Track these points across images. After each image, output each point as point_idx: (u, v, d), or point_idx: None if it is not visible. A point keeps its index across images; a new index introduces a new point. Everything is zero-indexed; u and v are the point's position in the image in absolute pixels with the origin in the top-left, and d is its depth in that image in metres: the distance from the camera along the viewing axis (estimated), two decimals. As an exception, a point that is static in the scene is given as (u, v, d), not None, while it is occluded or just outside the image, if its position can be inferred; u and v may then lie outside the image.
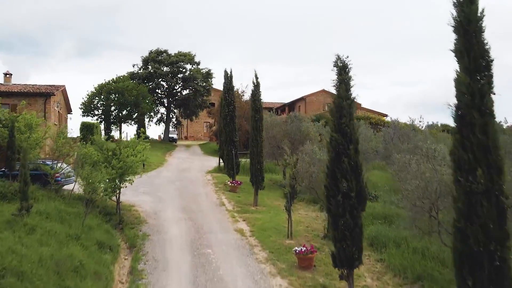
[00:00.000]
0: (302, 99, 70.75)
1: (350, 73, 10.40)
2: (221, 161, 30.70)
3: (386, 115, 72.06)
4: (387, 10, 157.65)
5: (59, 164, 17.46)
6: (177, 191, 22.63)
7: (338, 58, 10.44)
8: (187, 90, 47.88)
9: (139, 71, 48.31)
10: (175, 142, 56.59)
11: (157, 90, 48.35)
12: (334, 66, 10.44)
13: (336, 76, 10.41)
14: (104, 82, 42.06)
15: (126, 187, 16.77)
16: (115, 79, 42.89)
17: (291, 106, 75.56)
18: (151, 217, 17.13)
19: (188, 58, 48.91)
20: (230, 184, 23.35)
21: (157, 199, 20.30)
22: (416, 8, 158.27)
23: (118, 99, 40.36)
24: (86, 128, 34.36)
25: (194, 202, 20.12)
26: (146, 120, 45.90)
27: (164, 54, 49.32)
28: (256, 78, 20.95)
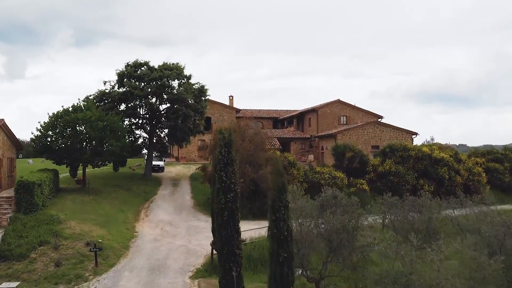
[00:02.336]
0: (313, 110, 60.37)
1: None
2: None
3: (381, 117, 61.92)
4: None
5: None
6: None
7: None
8: (174, 114, 37.39)
9: (111, 91, 37.88)
10: (162, 171, 46.42)
11: (135, 111, 37.91)
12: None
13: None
14: (61, 110, 31.79)
15: None
16: (76, 104, 32.59)
17: (300, 118, 65.16)
18: None
19: (175, 72, 38.45)
20: None
21: None
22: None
23: (78, 135, 30.09)
24: (23, 189, 24.25)
25: None
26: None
27: (144, 67, 38.89)
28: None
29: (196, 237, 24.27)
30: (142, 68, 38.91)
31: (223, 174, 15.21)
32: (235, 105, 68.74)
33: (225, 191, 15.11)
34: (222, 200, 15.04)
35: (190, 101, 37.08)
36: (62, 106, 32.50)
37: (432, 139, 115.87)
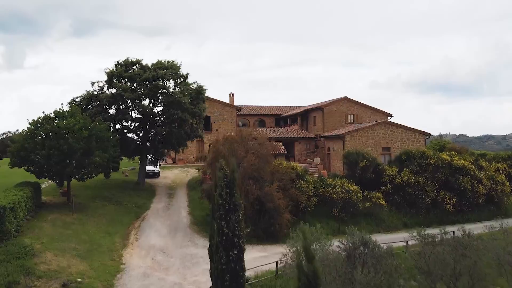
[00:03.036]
0: (318, 108, 56.74)
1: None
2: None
3: (390, 115, 58.47)
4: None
5: None
6: None
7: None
8: (169, 119, 33.83)
9: (100, 93, 34.27)
10: (157, 177, 42.99)
11: (126, 116, 34.30)
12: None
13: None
14: (42, 117, 28.26)
15: None
16: (59, 110, 29.04)
17: (304, 116, 61.54)
18: None
19: (171, 71, 34.83)
20: None
21: None
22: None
23: (60, 146, 26.58)
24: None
25: None
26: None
27: (136, 66, 35.25)
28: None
29: (192, 271, 20.91)
30: (134, 67, 35.29)
31: (224, 224, 11.80)
32: (235, 103, 65.19)
33: (227, 247, 11.72)
34: (223, 259, 11.66)
35: (186, 104, 33.50)
36: (43, 112, 28.92)
37: (441, 135, 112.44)
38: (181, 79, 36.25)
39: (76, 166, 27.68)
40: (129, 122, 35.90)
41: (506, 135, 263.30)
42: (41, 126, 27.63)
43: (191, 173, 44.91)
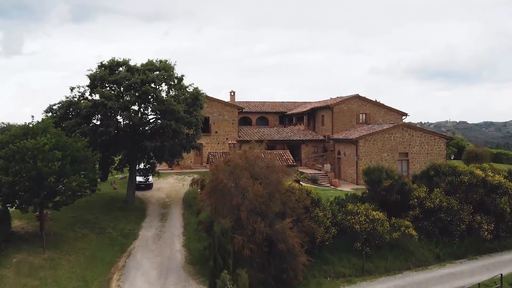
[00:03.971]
0: (327, 107, 51.97)
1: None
2: None
3: (405, 114, 53.86)
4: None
5: None
6: None
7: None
8: (161, 130, 29.09)
9: (80, 102, 29.41)
10: (150, 189, 38.34)
11: (109, 129, 29.26)
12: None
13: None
14: (7, 134, 23.53)
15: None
16: (28, 125, 24.32)
17: (311, 114, 56.77)
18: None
19: (163, 74, 30.01)
20: None
21: None
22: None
23: (28, 169, 21.90)
24: None
25: None
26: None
27: (123, 67, 30.40)
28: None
29: None
30: (121, 68, 30.41)
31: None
32: (237, 98, 60.38)
33: None
34: None
35: (181, 113, 28.70)
36: (7, 123, 24.20)
37: (453, 133, 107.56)
38: (175, 81, 31.39)
39: (47, 195, 23.03)
40: (116, 131, 31.07)
41: (506, 121, 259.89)
42: (5, 145, 22.90)
43: (188, 181, 40.31)
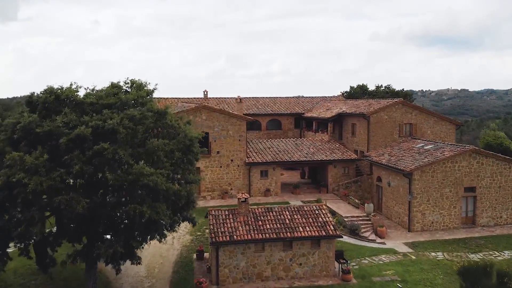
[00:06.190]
0: (361, 115, 40.19)
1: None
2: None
3: (460, 124, 42.66)
4: None
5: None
6: None
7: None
8: (125, 213, 17.37)
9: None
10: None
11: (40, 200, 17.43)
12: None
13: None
14: None
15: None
16: None
17: (338, 121, 45.00)
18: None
19: (128, 115, 18.09)
20: None
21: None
22: None
23: None
24: None
25: None
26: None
27: (67, 101, 18.49)
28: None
29: None
30: (72, 97, 18.49)
31: None
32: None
33: None
34: None
35: (160, 184, 16.89)
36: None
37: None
38: (154, 117, 19.44)
39: None
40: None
41: (508, 89, 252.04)
42: None
43: (181, 242, 29.29)
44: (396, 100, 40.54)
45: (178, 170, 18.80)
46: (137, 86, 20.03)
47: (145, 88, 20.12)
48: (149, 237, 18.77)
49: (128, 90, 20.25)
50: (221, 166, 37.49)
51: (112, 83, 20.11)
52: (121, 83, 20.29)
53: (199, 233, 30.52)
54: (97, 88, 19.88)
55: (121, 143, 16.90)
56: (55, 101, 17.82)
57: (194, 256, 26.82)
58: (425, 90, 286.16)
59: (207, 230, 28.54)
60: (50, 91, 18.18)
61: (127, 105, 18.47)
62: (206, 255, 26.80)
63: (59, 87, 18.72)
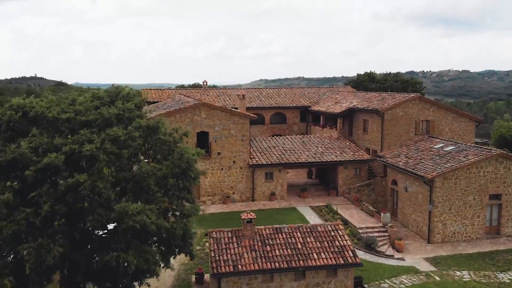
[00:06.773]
0: (375, 111, 37.00)
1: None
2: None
3: (480, 121, 39.57)
4: None
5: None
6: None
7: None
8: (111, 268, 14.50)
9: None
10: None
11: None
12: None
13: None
14: None
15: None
16: None
17: (348, 116, 41.83)
18: None
19: (119, 110, 15.07)
20: None
21: None
22: None
23: None
24: None
25: None
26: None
27: (46, 112, 15.35)
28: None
29: None
30: (45, 115, 15.37)
31: None
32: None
33: None
34: None
35: (151, 226, 13.88)
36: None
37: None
38: (145, 132, 16.34)
39: None
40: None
41: (509, 70, 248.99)
42: None
43: (179, 260, 26.11)
44: (413, 95, 37.23)
45: (173, 199, 15.75)
46: (124, 97, 16.82)
47: (133, 98, 16.93)
48: (137, 283, 15.81)
49: (114, 100, 17.05)
50: (222, 169, 34.47)
51: (93, 92, 16.90)
52: (105, 93, 17.07)
53: (198, 247, 27.62)
54: (80, 100, 16.67)
55: (101, 173, 13.79)
56: (22, 120, 14.64)
57: (193, 279, 23.99)
58: (426, 71, 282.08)
59: (207, 244, 25.72)
60: (17, 106, 15.01)
61: (110, 122, 15.30)
62: (207, 277, 23.96)
63: (30, 100, 15.55)
